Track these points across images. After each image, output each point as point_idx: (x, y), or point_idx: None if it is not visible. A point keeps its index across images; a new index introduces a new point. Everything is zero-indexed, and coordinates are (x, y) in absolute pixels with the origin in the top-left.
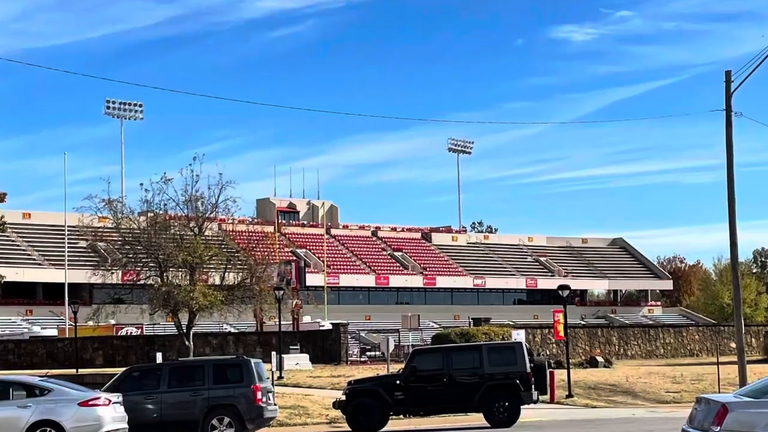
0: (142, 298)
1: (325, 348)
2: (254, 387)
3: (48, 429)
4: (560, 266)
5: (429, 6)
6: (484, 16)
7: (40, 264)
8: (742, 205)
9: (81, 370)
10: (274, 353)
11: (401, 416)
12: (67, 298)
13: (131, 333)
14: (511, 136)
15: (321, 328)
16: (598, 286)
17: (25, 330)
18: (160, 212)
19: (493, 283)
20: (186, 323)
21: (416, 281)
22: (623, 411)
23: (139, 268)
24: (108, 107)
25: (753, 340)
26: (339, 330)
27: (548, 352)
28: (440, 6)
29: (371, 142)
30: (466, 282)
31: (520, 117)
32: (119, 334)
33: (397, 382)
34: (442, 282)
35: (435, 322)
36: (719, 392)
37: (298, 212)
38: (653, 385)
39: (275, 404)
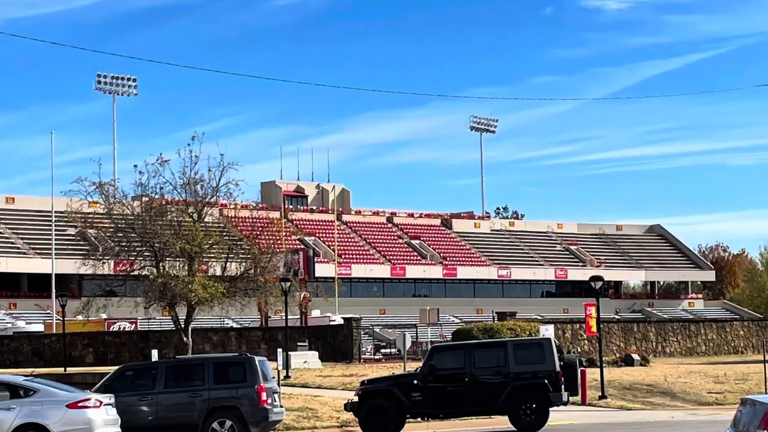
0: (137, 291)
1: (335, 345)
2: (258, 387)
3: None
4: (592, 255)
5: None
6: None
7: (24, 253)
8: None
9: (69, 369)
10: (280, 350)
11: (419, 419)
12: (54, 291)
13: (124, 328)
14: (538, 113)
15: (331, 323)
16: (633, 278)
17: (9, 325)
18: (156, 196)
19: (519, 273)
20: (184, 318)
21: (435, 272)
22: (661, 413)
23: (132, 258)
24: (99, 82)
25: None
26: (351, 325)
27: (579, 350)
28: None
29: (386, 120)
30: (489, 273)
31: (548, 93)
32: (111, 329)
33: (415, 381)
34: (464, 273)
35: (456, 317)
36: (766, 392)
37: (306, 197)
38: (694, 385)
39: (281, 406)
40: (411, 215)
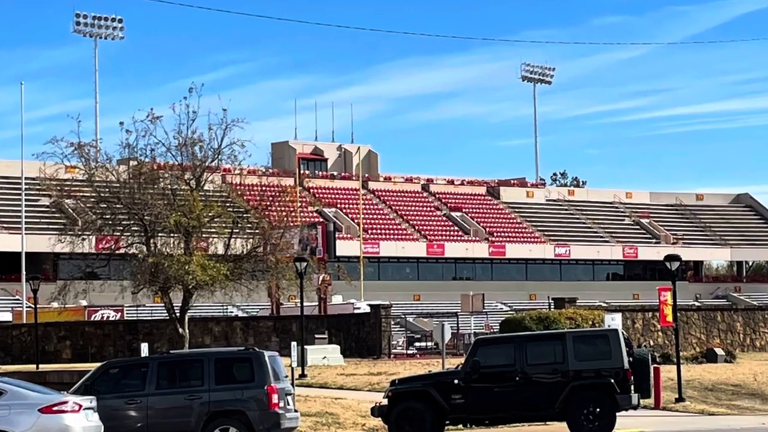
0: (123, 273)
1: (360, 337)
2: (269, 388)
3: None
4: (668, 231)
5: None
6: None
7: None
8: None
9: (42, 366)
10: (294, 344)
11: (460, 426)
12: (24, 273)
13: (108, 318)
14: (602, 60)
15: (356, 311)
16: (717, 257)
17: None
18: (146, 160)
19: (580, 252)
20: (180, 305)
21: (480, 250)
22: (750, 419)
23: (118, 233)
24: (78, 23)
25: None
26: (379, 314)
27: (652, 343)
28: None
29: (421, 69)
30: (545, 251)
31: (614, 36)
32: (93, 319)
33: (455, 381)
34: (514, 251)
35: (504, 303)
36: None
37: (325, 160)
38: None
39: (296, 411)
40: (451, 182)
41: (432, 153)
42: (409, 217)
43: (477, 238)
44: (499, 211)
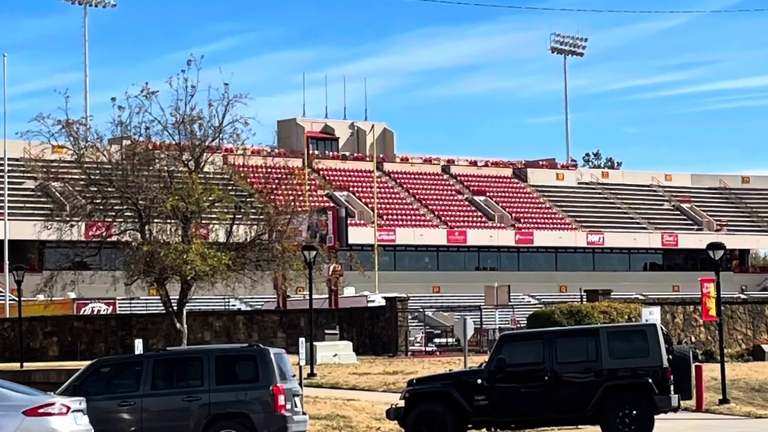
0: (115, 262)
1: (375, 333)
2: (274, 389)
3: None
4: (711, 216)
5: None
6: None
7: None
8: None
9: (27, 365)
10: (302, 340)
11: (483, 430)
12: (7, 262)
13: (99, 312)
14: (639, 30)
15: (370, 304)
16: (765, 245)
17: None
18: (140, 139)
19: (614, 240)
20: (177, 298)
21: (505, 237)
22: None
23: (110, 219)
24: None
25: None
26: (395, 307)
27: (693, 339)
28: None
29: (441, 40)
30: (576, 239)
31: (652, 4)
32: (82, 312)
33: (479, 381)
34: (542, 239)
35: (532, 296)
36: None
37: (336, 139)
38: None
39: (304, 413)
40: (474, 164)
41: (453, 132)
42: (427, 202)
43: (502, 225)
44: (527, 195)
